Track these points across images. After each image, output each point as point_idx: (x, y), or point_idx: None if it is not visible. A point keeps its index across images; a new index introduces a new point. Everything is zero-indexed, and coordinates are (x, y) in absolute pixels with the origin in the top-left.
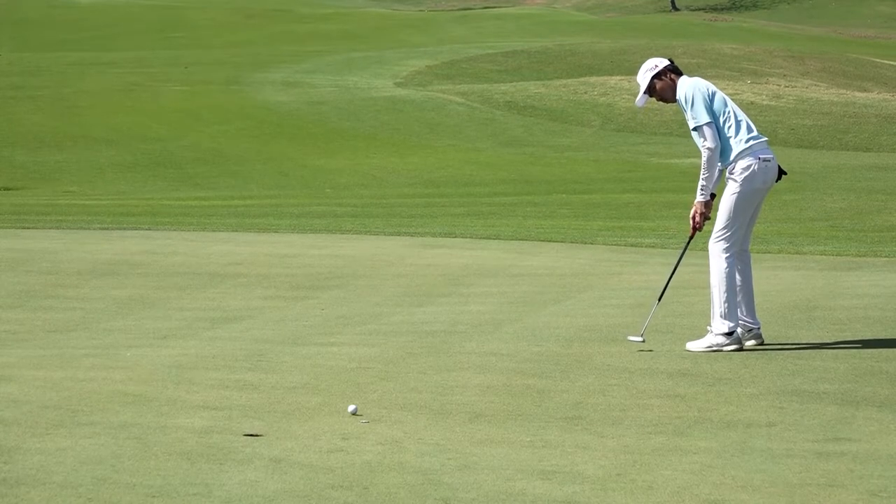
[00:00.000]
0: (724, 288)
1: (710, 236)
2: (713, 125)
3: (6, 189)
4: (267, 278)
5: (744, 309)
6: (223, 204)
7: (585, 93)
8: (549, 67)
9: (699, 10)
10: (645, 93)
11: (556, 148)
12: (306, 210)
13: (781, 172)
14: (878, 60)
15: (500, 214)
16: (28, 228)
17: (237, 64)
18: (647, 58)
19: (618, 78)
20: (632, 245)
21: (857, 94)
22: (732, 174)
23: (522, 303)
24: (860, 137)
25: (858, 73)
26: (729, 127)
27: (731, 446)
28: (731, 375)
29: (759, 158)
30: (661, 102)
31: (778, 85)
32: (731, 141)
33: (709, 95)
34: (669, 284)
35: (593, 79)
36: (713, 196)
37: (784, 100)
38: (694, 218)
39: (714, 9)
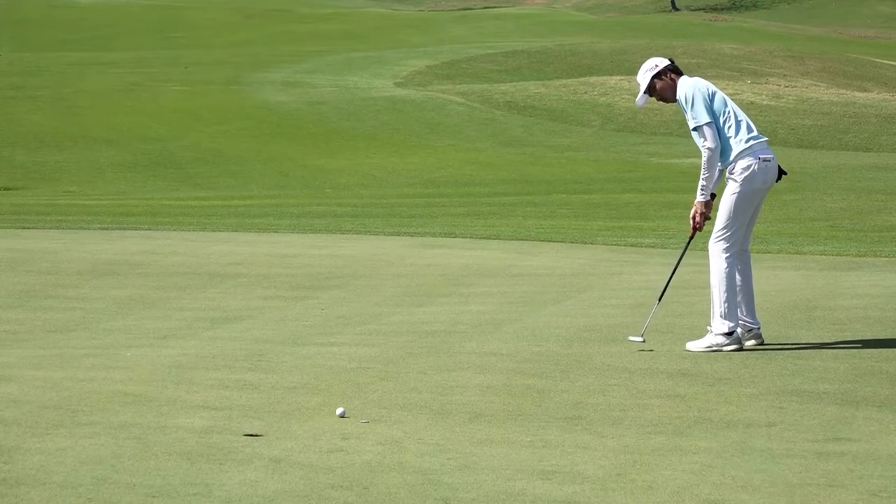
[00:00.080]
0: (724, 288)
1: (710, 236)
2: (713, 125)
3: (6, 189)
4: (267, 278)
5: (744, 309)
6: (223, 204)
7: (585, 93)
8: (549, 67)
9: (699, 10)
10: (645, 92)
11: (556, 148)
12: (306, 210)
13: (781, 172)
14: (878, 60)
15: (500, 214)
16: (28, 228)
17: (237, 64)
18: (648, 58)
19: (618, 78)
20: (632, 245)
21: (857, 94)
22: (732, 174)
23: (522, 303)
24: (860, 137)
25: (858, 73)
26: (729, 127)
27: (731, 446)
28: (731, 375)
29: (759, 158)
30: (661, 102)
31: (778, 85)
32: (731, 141)
33: (709, 95)
34: (669, 284)
35: (593, 79)
36: (713, 196)
37: (784, 100)
38: (694, 218)
39: (714, 9)
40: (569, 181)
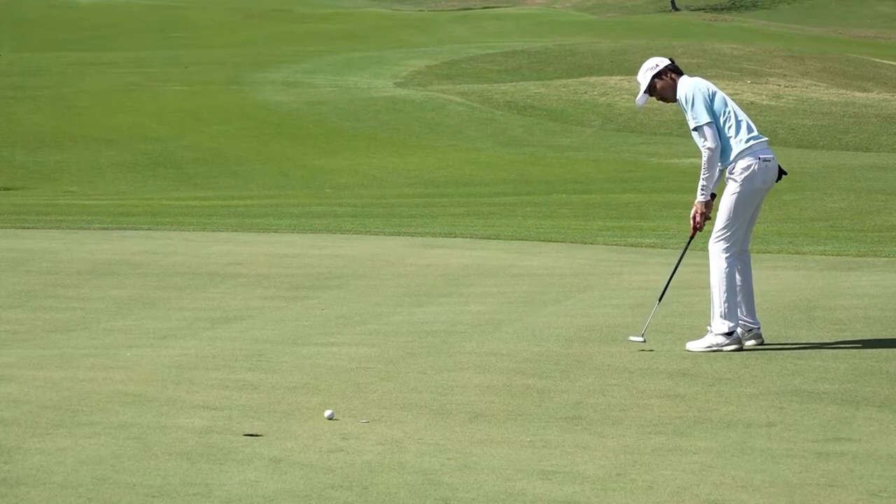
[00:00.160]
0: (724, 288)
1: (710, 236)
2: (713, 125)
3: (6, 189)
4: (267, 278)
5: (744, 309)
6: (223, 204)
7: (585, 93)
8: (549, 67)
9: (699, 10)
10: (645, 92)
11: (556, 148)
12: (306, 210)
13: (782, 172)
14: (878, 60)
15: (500, 214)
16: (28, 228)
17: (237, 64)
18: (648, 57)
19: (618, 78)
20: (632, 245)
21: (857, 94)
22: (732, 174)
23: (522, 303)
24: (860, 137)
25: (858, 73)
26: (729, 127)
27: (731, 446)
28: (731, 375)
29: (760, 158)
30: (661, 102)
31: (778, 85)
32: (732, 141)
33: (709, 95)
34: (669, 284)
35: (593, 79)
36: (713, 196)
37: (784, 100)
38: (694, 218)
39: (714, 9)
40: (569, 181)
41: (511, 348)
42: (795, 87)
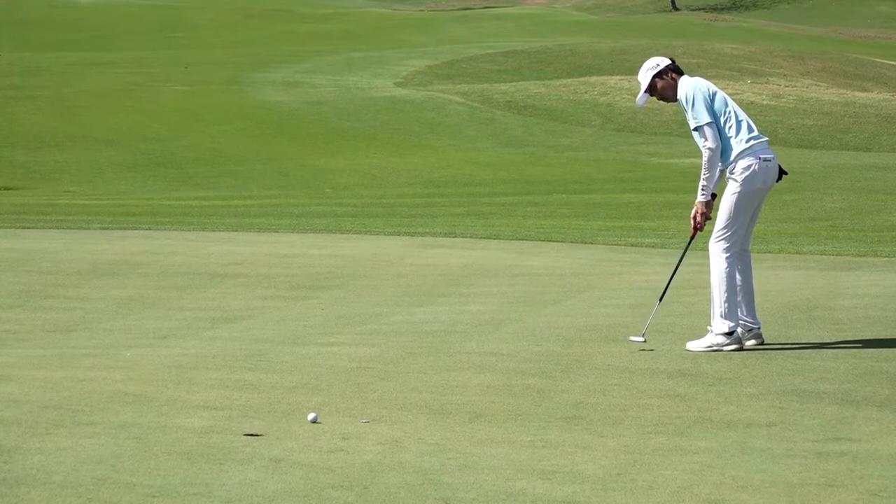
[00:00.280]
0: (724, 288)
1: (710, 236)
2: (714, 125)
3: (6, 189)
4: (267, 278)
5: (744, 309)
6: (223, 204)
7: (585, 93)
8: (549, 67)
9: (699, 10)
10: (646, 92)
11: (556, 148)
12: (306, 210)
13: (782, 172)
14: (878, 60)
15: (500, 214)
16: (28, 228)
17: (237, 64)
18: (648, 57)
19: (618, 78)
20: (632, 245)
21: (858, 93)
22: (733, 174)
23: (522, 303)
24: (860, 137)
25: (858, 73)
26: (729, 127)
27: (732, 446)
28: (731, 375)
29: (760, 158)
30: (661, 102)
31: (778, 85)
32: (732, 141)
33: (709, 95)
34: (670, 284)
35: (593, 79)
36: (714, 196)
37: (784, 100)
38: (695, 218)
39: (714, 9)
40: (569, 181)
41: (511, 348)
42: (796, 86)
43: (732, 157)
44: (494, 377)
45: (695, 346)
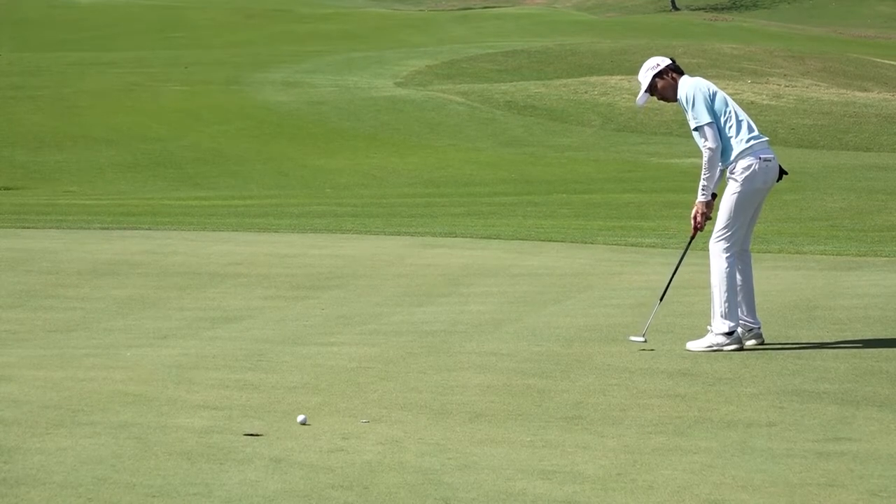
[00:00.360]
0: (724, 287)
1: (710, 236)
2: (714, 125)
3: (6, 189)
4: (267, 278)
5: (744, 308)
6: (223, 204)
7: (585, 93)
8: (549, 67)
9: (699, 9)
10: (646, 91)
11: (556, 148)
12: (306, 210)
13: (782, 172)
14: (878, 60)
15: (500, 214)
16: (28, 228)
17: (237, 64)
18: (648, 57)
19: (618, 78)
20: (632, 245)
21: (858, 93)
22: (733, 174)
23: (522, 303)
24: (860, 137)
25: (859, 72)
26: (730, 127)
27: (732, 446)
28: (731, 375)
29: (760, 158)
30: (661, 101)
31: (778, 85)
32: (732, 141)
33: (710, 95)
34: (671, 284)
35: (593, 78)
36: (714, 196)
37: (784, 100)
38: (695, 218)
39: (714, 9)
40: (569, 181)
41: (511, 348)
42: (796, 86)
43: (733, 157)
44: (494, 377)
45: (695, 346)
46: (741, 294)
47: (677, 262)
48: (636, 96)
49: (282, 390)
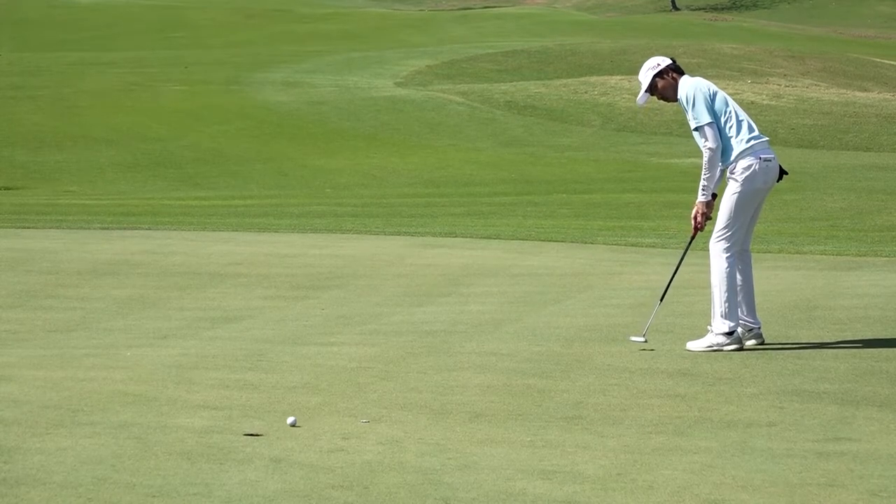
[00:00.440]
0: (724, 287)
1: (710, 236)
2: (714, 125)
3: (6, 189)
4: (267, 278)
5: (744, 308)
6: (223, 204)
7: (585, 92)
8: (549, 67)
9: (699, 9)
10: (646, 91)
11: (556, 148)
12: (306, 210)
13: (783, 172)
14: (878, 60)
15: (500, 214)
16: (28, 228)
17: (237, 64)
18: (648, 57)
19: (618, 78)
20: (632, 245)
21: (858, 93)
22: (733, 174)
23: (522, 303)
24: (860, 137)
25: (859, 72)
26: (730, 127)
27: (732, 446)
28: (732, 375)
29: (760, 158)
30: (662, 101)
31: (778, 85)
32: (733, 141)
33: (710, 95)
34: (671, 284)
35: (593, 78)
36: (714, 196)
37: (784, 99)
38: (695, 218)
39: (714, 9)
40: (569, 181)
41: (511, 348)
42: (796, 86)
43: (733, 157)
44: (494, 377)
45: (695, 346)
46: (741, 294)
47: (677, 262)
48: (636, 96)
49: (282, 390)
